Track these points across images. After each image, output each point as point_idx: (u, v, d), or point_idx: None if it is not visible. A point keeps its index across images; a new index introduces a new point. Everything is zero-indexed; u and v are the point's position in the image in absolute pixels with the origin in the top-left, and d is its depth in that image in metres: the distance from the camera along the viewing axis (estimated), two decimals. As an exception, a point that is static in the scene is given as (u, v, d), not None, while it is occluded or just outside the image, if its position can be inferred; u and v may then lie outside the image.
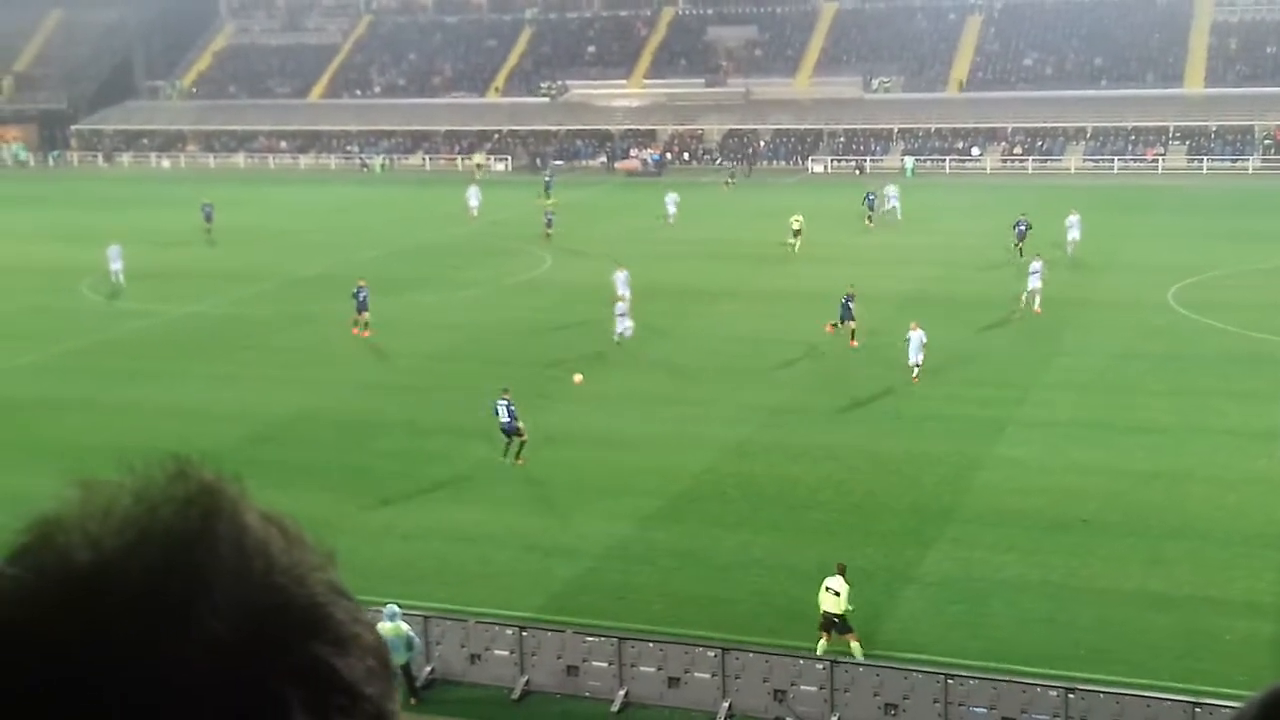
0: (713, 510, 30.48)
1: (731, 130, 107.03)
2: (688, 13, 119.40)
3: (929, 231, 66.19)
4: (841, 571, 23.30)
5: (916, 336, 39.09)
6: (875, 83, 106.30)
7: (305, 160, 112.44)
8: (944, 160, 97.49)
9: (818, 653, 22.79)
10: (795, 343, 44.70)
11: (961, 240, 63.17)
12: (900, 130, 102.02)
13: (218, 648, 1.14)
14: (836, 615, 22.92)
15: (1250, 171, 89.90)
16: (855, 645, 22.95)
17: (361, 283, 47.07)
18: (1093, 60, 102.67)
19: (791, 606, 25.37)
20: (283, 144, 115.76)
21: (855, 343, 43.27)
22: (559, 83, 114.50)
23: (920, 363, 39.03)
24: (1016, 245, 56.24)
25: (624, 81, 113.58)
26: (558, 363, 42.78)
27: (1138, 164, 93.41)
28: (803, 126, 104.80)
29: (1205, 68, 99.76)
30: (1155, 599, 25.17)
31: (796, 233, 61.05)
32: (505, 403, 33.30)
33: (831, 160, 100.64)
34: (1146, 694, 20.84)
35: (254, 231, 71.25)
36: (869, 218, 68.40)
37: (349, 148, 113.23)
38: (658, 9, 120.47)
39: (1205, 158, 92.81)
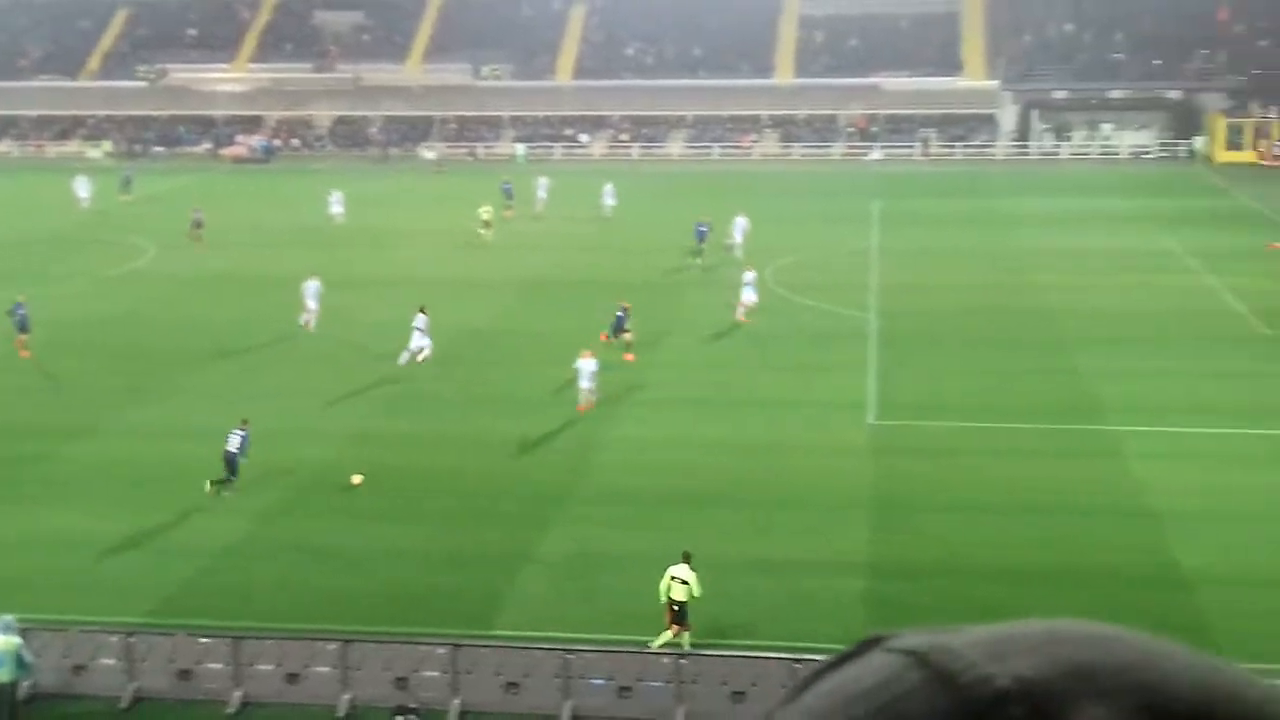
0: (335, 502, 30.15)
1: (342, 117, 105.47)
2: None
3: (555, 218, 66.72)
4: (687, 560, 23.16)
5: (587, 365, 36.16)
6: (485, 70, 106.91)
7: None
8: (553, 147, 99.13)
9: (656, 645, 22.66)
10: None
11: (576, 228, 64.26)
12: (511, 118, 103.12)
13: None
14: (680, 603, 22.77)
15: (836, 158, 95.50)
16: (686, 635, 22.87)
17: (21, 299, 42.25)
18: (691, 51, 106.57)
19: (413, 594, 25.47)
20: None
21: (631, 356, 40.19)
22: (158, 66, 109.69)
23: (593, 389, 36.20)
24: (699, 248, 55.39)
25: (227, 66, 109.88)
26: (163, 356, 41.22)
27: (735, 150, 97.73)
28: (415, 113, 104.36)
29: (794, 60, 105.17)
30: (761, 564, 26.54)
31: (486, 223, 59.99)
32: (242, 434, 30.42)
33: (445, 147, 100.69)
34: (752, 655, 22.04)
35: None
36: (508, 206, 66.14)
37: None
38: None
39: (796, 145, 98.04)
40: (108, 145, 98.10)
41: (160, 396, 37.09)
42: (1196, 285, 50.31)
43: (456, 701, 21.75)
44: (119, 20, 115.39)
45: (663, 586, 23.00)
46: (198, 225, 60.61)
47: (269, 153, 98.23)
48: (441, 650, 22.18)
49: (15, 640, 20.67)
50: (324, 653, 22.22)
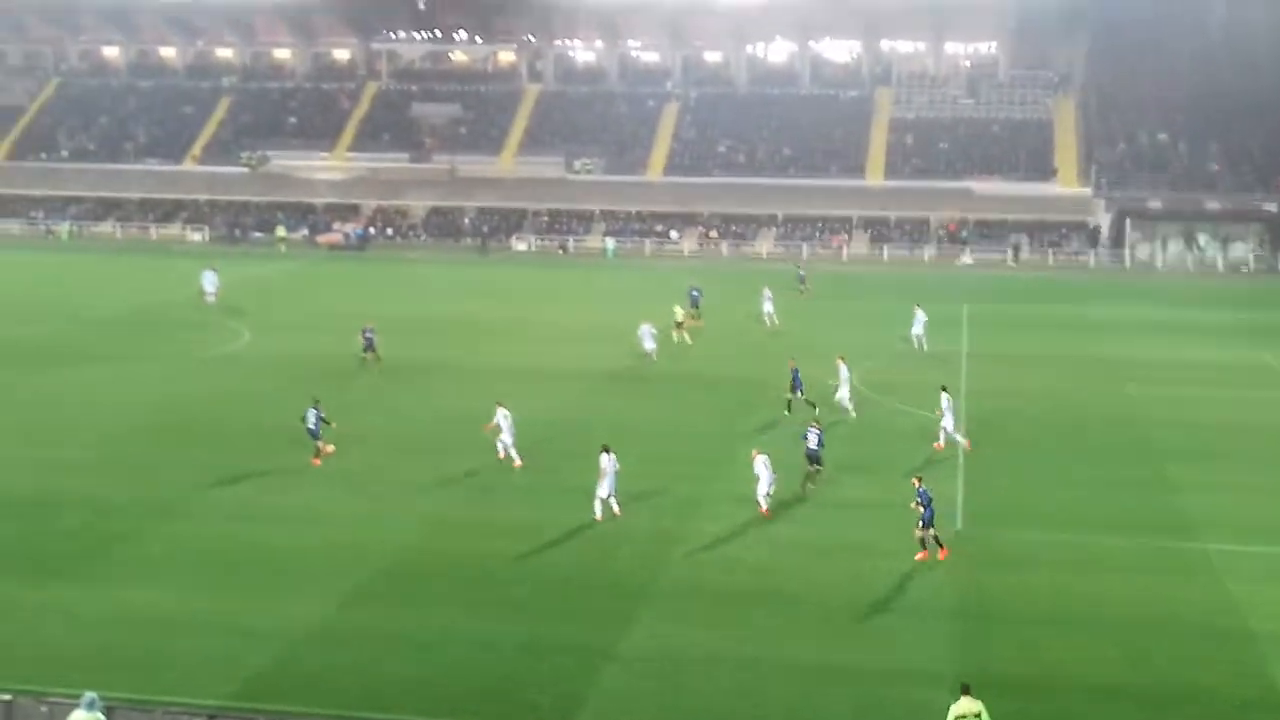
0: (414, 588, 30.16)
1: (436, 206, 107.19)
2: (392, 88, 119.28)
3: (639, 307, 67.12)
4: (967, 691, 22.10)
5: (762, 462, 35.34)
6: (578, 164, 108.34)
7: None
8: (644, 242, 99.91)
9: None
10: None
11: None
12: (602, 211, 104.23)
13: None
14: None
15: (926, 260, 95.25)
16: None
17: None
18: (782, 150, 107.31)
19: (490, 687, 25.32)
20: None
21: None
22: (259, 153, 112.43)
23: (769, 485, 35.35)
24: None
25: (326, 154, 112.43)
26: (254, 438, 41.74)
27: (825, 250, 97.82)
28: (507, 205, 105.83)
29: (885, 161, 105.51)
30: (838, 672, 26.08)
31: (679, 324, 60.14)
32: (818, 432, 37.43)
33: (535, 239, 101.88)
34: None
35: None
36: (694, 314, 64.67)
37: (33, 213, 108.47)
38: (361, 83, 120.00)
39: (886, 246, 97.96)
40: (281, 230, 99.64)
41: (241, 479, 37.49)
42: (1293, 401, 49.35)
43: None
44: (222, 107, 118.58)
45: None
46: (369, 347, 53.84)
47: (364, 240, 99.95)
48: (515, 746, 21.97)
49: (99, 717, 20.79)
50: (401, 742, 22.10)
